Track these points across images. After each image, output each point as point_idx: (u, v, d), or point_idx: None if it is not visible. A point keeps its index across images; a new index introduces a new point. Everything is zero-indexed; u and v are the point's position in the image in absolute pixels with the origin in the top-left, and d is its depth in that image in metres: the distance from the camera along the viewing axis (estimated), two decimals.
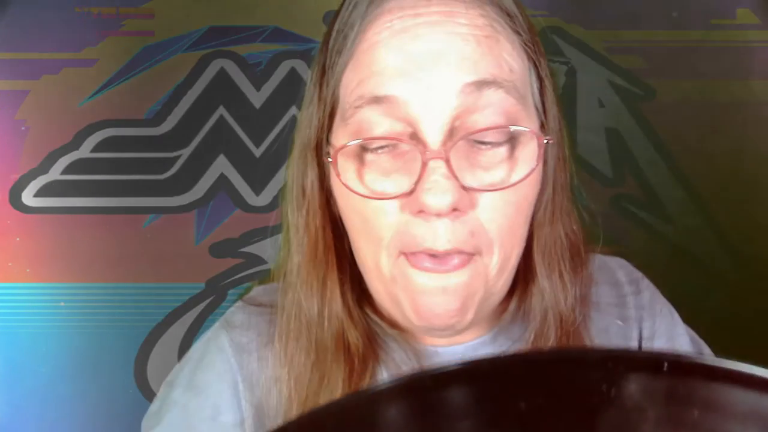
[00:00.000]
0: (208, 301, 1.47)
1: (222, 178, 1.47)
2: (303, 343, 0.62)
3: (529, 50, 0.60)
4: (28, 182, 1.45)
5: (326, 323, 0.61)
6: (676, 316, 0.74)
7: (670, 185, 1.47)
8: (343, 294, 0.62)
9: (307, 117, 0.61)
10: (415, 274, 0.56)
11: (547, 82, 0.61)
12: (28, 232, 1.45)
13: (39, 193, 1.45)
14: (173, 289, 1.47)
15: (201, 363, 0.67)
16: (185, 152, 1.46)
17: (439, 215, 0.54)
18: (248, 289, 0.72)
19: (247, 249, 1.47)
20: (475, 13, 0.56)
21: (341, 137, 0.58)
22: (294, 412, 0.61)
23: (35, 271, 1.46)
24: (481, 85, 0.54)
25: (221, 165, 1.47)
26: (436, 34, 0.55)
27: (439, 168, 0.53)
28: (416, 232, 0.55)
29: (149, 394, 1.47)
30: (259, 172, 1.47)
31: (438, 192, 0.52)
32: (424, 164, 0.53)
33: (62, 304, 1.46)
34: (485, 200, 0.55)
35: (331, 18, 0.63)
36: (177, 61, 1.46)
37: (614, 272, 0.74)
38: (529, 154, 0.58)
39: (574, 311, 0.64)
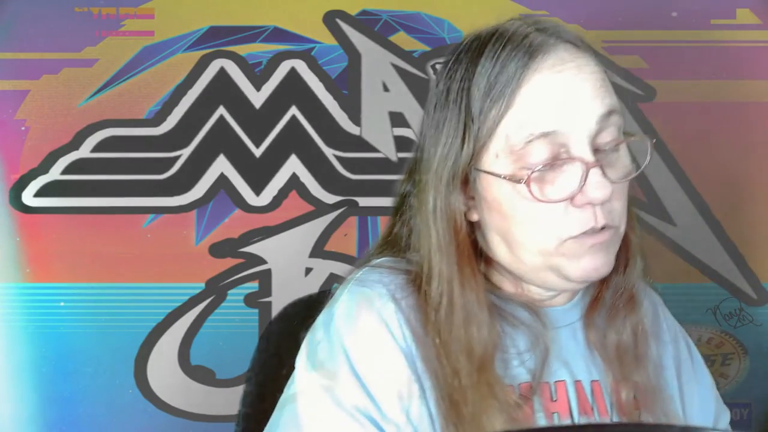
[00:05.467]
0: (208, 301, 1.47)
1: (222, 178, 1.47)
2: (457, 317, 0.80)
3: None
4: (28, 182, 1.45)
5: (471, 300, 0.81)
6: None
7: (671, 186, 1.47)
8: (476, 277, 0.82)
9: (444, 152, 0.81)
10: (582, 244, 0.78)
11: None
12: (28, 232, 1.46)
13: (39, 193, 1.45)
14: (173, 289, 1.47)
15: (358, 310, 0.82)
16: (185, 152, 1.47)
17: (601, 204, 0.76)
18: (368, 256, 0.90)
19: (246, 249, 1.47)
20: (592, 61, 0.80)
21: (504, 165, 0.79)
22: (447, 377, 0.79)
23: (35, 271, 1.46)
24: (609, 113, 0.78)
25: (221, 165, 1.47)
26: (579, 82, 0.78)
27: (597, 172, 0.76)
28: (580, 217, 0.77)
29: (149, 394, 1.47)
30: (259, 172, 1.47)
31: (602, 188, 0.76)
32: (586, 172, 0.76)
33: (62, 304, 1.46)
34: (616, 189, 0.78)
35: (448, 61, 0.83)
36: (177, 61, 1.46)
37: None
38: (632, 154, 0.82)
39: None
